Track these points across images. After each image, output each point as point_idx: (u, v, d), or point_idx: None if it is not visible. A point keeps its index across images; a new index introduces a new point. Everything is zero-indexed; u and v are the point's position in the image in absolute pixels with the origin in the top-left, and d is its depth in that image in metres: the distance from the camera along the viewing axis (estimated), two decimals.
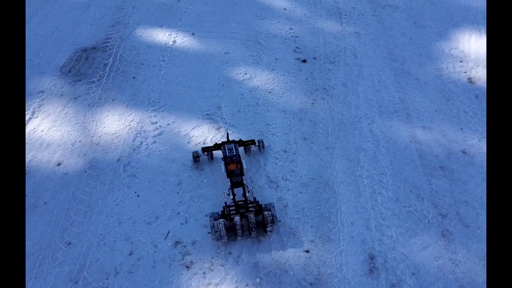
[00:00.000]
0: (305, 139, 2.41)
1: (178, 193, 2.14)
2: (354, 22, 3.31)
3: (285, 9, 3.52)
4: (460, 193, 2.10)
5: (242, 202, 1.97)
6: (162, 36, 3.25)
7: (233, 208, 1.96)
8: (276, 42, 3.17)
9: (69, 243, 1.94)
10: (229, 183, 2.04)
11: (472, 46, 3.00)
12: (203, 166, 2.27)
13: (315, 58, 3.00)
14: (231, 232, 1.89)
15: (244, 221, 1.91)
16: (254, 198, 2.00)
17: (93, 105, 2.66)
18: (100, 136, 2.45)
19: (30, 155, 2.34)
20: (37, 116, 2.59)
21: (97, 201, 2.10)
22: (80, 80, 2.86)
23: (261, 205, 1.96)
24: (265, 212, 1.90)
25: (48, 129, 2.51)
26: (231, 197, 2.01)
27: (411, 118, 2.50)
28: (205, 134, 2.45)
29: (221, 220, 1.89)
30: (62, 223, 2.02)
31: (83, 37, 3.24)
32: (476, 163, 2.23)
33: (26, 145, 2.40)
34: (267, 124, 2.51)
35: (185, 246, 1.92)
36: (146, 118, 2.57)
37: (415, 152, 2.30)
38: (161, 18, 3.45)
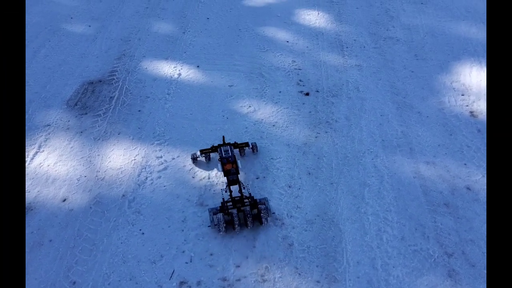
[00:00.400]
0: (309, 173, 2.42)
1: (183, 230, 2.14)
2: (356, 55, 3.37)
3: (287, 41, 3.59)
4: (466, 231, 2.09)
5: (238, 198, 2.17)
6: (168, 68, 3.30)
7: (230, 203, 2.16)
8: (279, 74, 3.22)
9: (74, 283, 1.93)
10: (226, 181, 2.24)
11: (473, 79, 3.05)
12: (207, 202, 2.28)
13: (318, 91, 3.04)
14: (229, 225, 2.10)
15: (241, 214, 2.12)
16: (249, 194, 2.21)
17: (99, 139, 2.69)
18: (105, 171, 2.47)
19: (36, 190, 2.36)
20: (43, 150, 2.62)
21: (102, 239, 2.10)
22: (86, 114, 2.89)
23: (256, 199, 2.17)
24: (260, 205, 2.12)
25: (54, 163, 2.53)
26: (228, 193, 2.20)
27: (414, 152, 2.52)
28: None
29: (220, 214, 2.09)
30: (67, 262, 2.01)
31: (90, 69, 3.30)
32: (481, 199, 2.23)
33: (32, 180, 2.42)
34: (272, 158, 2.52)
35: (190, 287, 1.90)
36: (151, 152, 2.59)
37: (419, 188, 2.31)
38: (166, 50, 3.51)
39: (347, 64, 3.28)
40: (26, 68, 3.32)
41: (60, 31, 3.77)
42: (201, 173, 2.44)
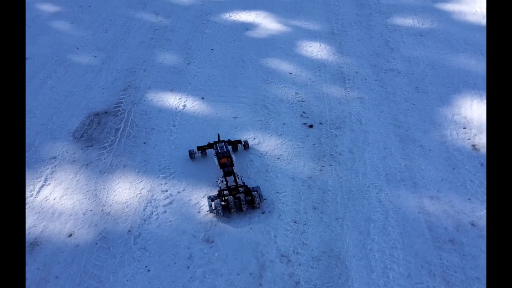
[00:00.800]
0: (315, 208, 2.44)
1: (188, 267, 2.13)
2: (358, 87, 3.43)
3: (290, 73, 3.65)
4: (472, 268, 2.10)
5: (233, 186, 2.46)
6: (173, 100, 3.35)
7: (227, 191, 2.45)
8: (283, 106, 3.27)
9: None
10: (222, 173, 2.55)
11: (474, 112, 3.10)
12: (213, 238, 2.28)
13: (321, 124, 3.08)
14: (226, 209, 2.39)
15: (237, 201, 2.39)
16: (243, 183, 2.52)
17: (105, 172, 2.71)
18: (111, 205, 2.48)
19: (42, 225, 2.36)
20: (49, 184, 2.63)
21: (108, 276, 2.10)
22: (92, 146, 2.92)
23: (249, 187, 2.47)
24: (253, 192, 2.41)
25: (60, 197, 2.54)
26: (224, 183, 2.51)
27: (418, 187, 2.54)
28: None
29: (218, 199, 2.38)
30: None
31: (96, 101, 3.34)
32: (485, 236, 2.24)
33: (38, 214, 2.42)
34: (277, 192, 2.54)
35: None
36: (157, 185, 2.60)
37: (424, 224, 2.32)
38: (171, 81, 3.57)
39: (350, 96, 3.34)
40: (33, 100, 3.36)
41: (67, 61, 3.84)
42: (206, 207, 2.44)
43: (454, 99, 3.24)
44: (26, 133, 3.02)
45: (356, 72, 3.61)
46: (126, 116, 3.18)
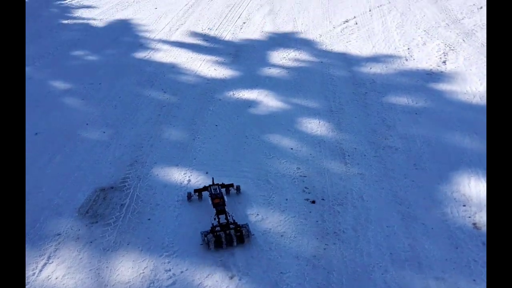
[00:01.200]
0: None
1: None
2: (358, 163, 3.53)
3: (292, 148, 3.78)
4: None
5: (225, 223, 2.80)
6: (178, 175, 3.43)
7: (219, 227, 2.77)
8: (285, 181, 3.35)
9: None
10: (215, 212, 2.91)
11: (473, 189, 3.17)
12: None
13: (323, 199, 3.13)
14: (218, 244, 2.69)
15: (228, 237, 2.70)
16: (234, 220, 2.86)
17: (108, 250, 2.70)
18: (113, 285, 2.45)
19: None
20: (52, 262, 2.61)
21: None
22: (96, 222, 2.94)
23: (239, 224, 2.80)
24: (242, 229, 2.75)
25: (62, 276, 2.51)
26: (217, 221, 2.85)
27: (423, 267, 2.53)
28: (218, 284, 2.45)
29: (210, 234, 2.70)
30: None
31: (103, 176, 3.42)
32: None
33: None
34: (281, 273, 2.52)
35: None
36: (160, 264, 2.59)
37: None
38: (177, 156, 3.68)
39: (350, 172, 3.43)
40: (40, 174, 3.44)
41: (76, 137, 3.98)
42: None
43: (452, 176, 3.33)
44: (32, 208, 3.06)
45: (355, 148, 3.74)
46: (131, 191, 3.24)
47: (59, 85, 5.08)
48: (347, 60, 5.57)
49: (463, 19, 6.65)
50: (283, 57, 5.77)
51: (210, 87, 4.97)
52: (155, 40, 6.52)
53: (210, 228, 2.77)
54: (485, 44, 5.61)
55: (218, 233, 2.70)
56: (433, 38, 6.00)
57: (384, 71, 5.17)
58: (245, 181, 3.35)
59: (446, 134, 3.86)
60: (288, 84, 5.01)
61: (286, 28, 6.89)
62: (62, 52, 6.09)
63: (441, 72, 5.03)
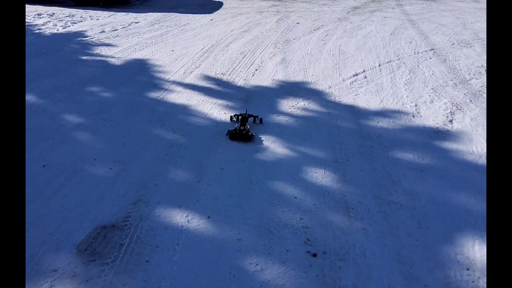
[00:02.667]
0: None
1: None
2: (361, 218, 3.51)
3: (295, 197, 3.77)
4: None
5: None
6: (180, 217, 3.43)
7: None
8: (287, 231, 3.32)
9: None
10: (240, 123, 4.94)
11: (477, 253, 3.11)
12: None
13: (325, 253, 3.09)
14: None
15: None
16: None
17: None
18: None
19: None
20: None
21: None
22: (94, 260, 2.91)
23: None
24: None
25: None
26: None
27: None
28: None
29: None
30: None
31: (105, 213, 3.42)
32: None
33: None
34: None
35: None
36: None
37: None
38: (180, 198, 3.69)
39: (353, 226, 3.40)
40: (44, 207, 3.46)
41: (83, 171, 4.02)
42: None
43: (457, 237, 3.28)
44: (32, 242, 3.05)
45: (359, 202, 3.72)
46: (132, 231, 3.23)
47: (72, 119, 5.20)
48: (355, 113, 5.67)
49: (470, 79, 6.80)
50: (292, 105, 5.89)
51: (219, 130, 5.06)
52: (169, 81, 6.72)
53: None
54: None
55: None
56: (440, 97, 6.12)
57: (391, 126, 5.24)
58: (247, 228, 3.33)
59: (451, 193, 3.84)
60: (296, 132, 5.08)
61: (297, 77, 7.08)
62: (78, 87, 6.29)
63: (448, 130, 5.09)
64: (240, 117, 5.14)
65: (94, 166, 4.14)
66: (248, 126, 4.89)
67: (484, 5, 12.57)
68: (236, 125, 4.92)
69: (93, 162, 4.20)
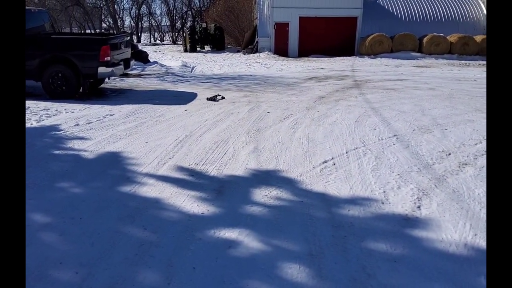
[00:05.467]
0: None
1: None
2: None
3: None
4: None
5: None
6: None
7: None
8: None
9: None
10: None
11: None
12: None
13: None
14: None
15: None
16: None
17: None
18: None
19: None
20: None
21: None
22: None
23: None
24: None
25: None
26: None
27: None
28: None
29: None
30: None
31: None
32: None
33: None
34: None
35: None
36: None
37: None
38: None
39: None
40: None
41: (47, 277, 3.82)
42: None
43: None
44: None
45: None
46: None
47: (39, 218, 5.05)
48: (326, 201, 5.76)
49: (433, 164, 7.14)
50: (265, 194, 5.96)
51: (192, 225, 4.99)
52: (141, 174, 6.73)
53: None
54: (457, 191, 5.94)
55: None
56: (407, 182, 6.35)
57: (362, 214, 5.33)
58: None
59: (425, 285, 3.83)
60: (269, 224, 5.08)
61: (269, 165, 7.25)
62: (48, 183, 6.20)
63: (416, 217, 5.21)
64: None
65: (59, 270, 3.94)
66: None
67: (440, 93, 13.68)
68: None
69: (59, 266, 4.01)
